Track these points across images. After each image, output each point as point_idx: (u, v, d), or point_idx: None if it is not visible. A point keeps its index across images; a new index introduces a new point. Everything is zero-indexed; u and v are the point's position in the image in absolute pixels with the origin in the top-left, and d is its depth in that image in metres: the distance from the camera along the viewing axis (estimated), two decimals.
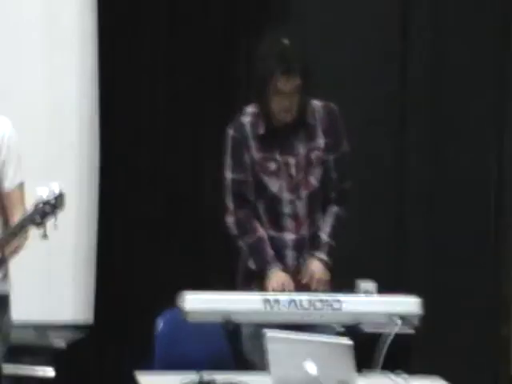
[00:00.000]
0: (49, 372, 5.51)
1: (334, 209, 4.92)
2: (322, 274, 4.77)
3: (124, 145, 6.45)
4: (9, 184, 4.39)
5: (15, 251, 4.30)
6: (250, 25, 6.08)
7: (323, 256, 4.79)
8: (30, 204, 4.23)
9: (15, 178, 4.41)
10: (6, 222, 4.40)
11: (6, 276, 4.37)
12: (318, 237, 4.86)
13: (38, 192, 4.15)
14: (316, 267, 4.76)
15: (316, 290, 4.72)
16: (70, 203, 4.83)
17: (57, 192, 4.14)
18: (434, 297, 5.71)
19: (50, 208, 4.14)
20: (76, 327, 6.13)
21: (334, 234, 4.87)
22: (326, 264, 4.79)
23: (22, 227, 4.19)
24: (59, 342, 5.79)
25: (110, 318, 6.21)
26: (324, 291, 4.70)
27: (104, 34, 6.55)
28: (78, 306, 6.29)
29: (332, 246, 4.85)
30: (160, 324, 4.98)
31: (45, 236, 4.17)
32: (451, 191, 6.79)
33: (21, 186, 4.41)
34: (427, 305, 4.53)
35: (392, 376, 4.23)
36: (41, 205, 4.12)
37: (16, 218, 4.30)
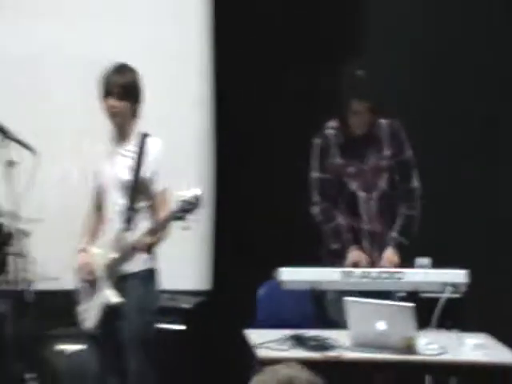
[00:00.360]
0: (180, 328, 5.56)
1: (402, 210, 4.96)
2: (394, 261, 4.83)
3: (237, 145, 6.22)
4: (157, 189, 4.59)
5: (162, 239, 4.54)
6: (334, 55, 5.74)
7: (392, 248, 4.84)
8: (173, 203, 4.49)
9: (163, 184, 4.60)
10: (153, 216, 4.60)
11: (154, 255, 4.58)
12: (390, 234, 4.92)
13: (180, 194, 4.40)
14: (388, 256, 4.83)
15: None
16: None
17: (197, 194, 4.37)
18: (486, 264, 5.63)
19: (191, 206, 4.35)
20: (198, 293, 6.13)
21: (402, 232, 4.91)
22: (395, 253, 4.85)
23: (168, 221, 4.42)
24: (186, 304, 5.84)
25: (223, 285, 6.21)
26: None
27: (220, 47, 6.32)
28: (200, 276, 6.31)
29: (401, 241, 4.90)
30: (262, 292, 5.14)
31: (186, 228, 4.41)
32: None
33: (165, 190, 4.58)
34: (479, 271, 4.61)
35: (446, 332, 4.38)
36: (183, 204, 4.35)
37: (161, 214, 4.51)
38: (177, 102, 6.21)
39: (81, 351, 5.45)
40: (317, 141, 4.98)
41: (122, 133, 4.64)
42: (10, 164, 4.38)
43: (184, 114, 6.22)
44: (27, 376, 5.16)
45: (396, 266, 4.82)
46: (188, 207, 4.37)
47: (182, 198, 4.36)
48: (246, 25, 6.25)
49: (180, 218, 4.38)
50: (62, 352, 5.52)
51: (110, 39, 6.22)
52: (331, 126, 4.97)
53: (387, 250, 4.85)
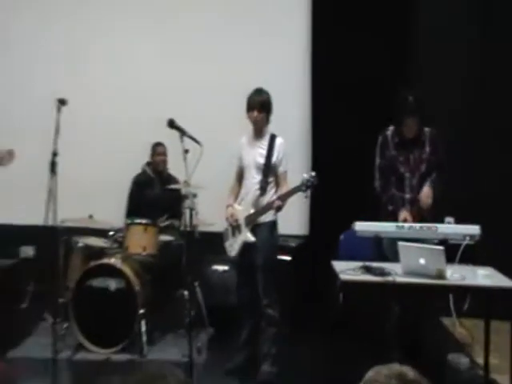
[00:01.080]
0: (288, 258, 5.55)
1: (435, 184, 4.85)
2: (429, 196, 4.78)
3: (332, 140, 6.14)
4: (281, 170, 4.65)
5: (283, 206, 4.57)
6: (397, 82, 5.58)
7: (428, 186, 4.79)
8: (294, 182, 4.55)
9: (284, 168, 4.65)
10: (277, 187, 4.65)
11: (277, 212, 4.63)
12: (427, 179, 4.85)
13: (304, 175, 4.49)
14: (425, 191, 4.78)
15: (424, 208, 4.78)
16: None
17: (312, 176, 4.45)
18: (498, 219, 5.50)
19: (309, 183, 4.43)
20: (300, 236, 6.20)
21: (432, 183, 4.81)
22: (430, 192, 4.79)
23: (294, 192, 4.50)
24: (293, 244, 5.89)
25: (317, 231, 6.23)
26: (428, 219, 4.76)
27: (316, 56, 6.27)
28: (302, 225, 6.35)
29: (433, 186, 4.80)
30: (343, 237, 5.34)
31: (307, 197, 4.61)
32: None
33: (285, 172, 4.65)
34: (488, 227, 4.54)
35: (464, 266, 4.39)
36: (305, 181, 4.44)
37: (284, 187, 4.59)
38: (289, 113, 6.12)
39: (226, 270, 5.65)
40: (380, 138, 4.97)
41: (259, 133, 4.68)
42: (186, 151, 4.27)
43: (293, 122, 6.19)
44: (195, 283, 5.31)
45: (430, 199, 4.79)
46: (308, 184, 4.44)
47: (305, 177, 4.46)
48: (335, 53, 6.09)
49: (302, 191, 4.47)
50: (215, 270, 5.73)
51: (247, 71, 6.18)
52: (389, 130, 4.94)
53: (424, 187, 4.81)
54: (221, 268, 5.71)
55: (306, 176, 4.48)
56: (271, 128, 4.76)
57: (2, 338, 5.05)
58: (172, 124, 4.36)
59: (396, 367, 1.66)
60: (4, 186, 6.08)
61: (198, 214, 4.73)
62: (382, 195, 5.00)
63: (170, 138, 4.58)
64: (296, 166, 5.42)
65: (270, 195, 4.64)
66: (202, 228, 5.16)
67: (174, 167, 5.56)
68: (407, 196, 4.93)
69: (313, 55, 6.31)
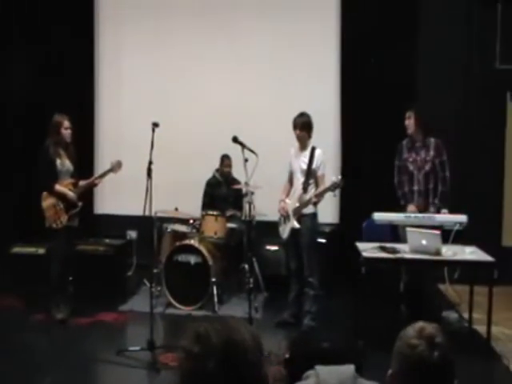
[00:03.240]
0: (323, 241, 5.43)
1: (440, 188, 4.76)
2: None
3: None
4: (319, 174, 4.65)
5: (319, 201, 4.65)
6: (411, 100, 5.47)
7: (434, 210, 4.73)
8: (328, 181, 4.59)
9: (321, 172, 4.66)
10: (316, 187, 4.63)
11: (315, 206, 4.67)
12: (434, 200, 4.77)
13: (333, 179, 4.55)
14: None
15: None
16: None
17: (339, 179, 4.48)
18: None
19: (337, 185, 4.46)
20: (332, 224, 6.11)
21: (440, 199, 4.73)
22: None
23: (326, 191, 4.56)
24: (327, 229, 5.77)
25: (345, 220, 6.15)
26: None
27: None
28: (334, 215, 6.23)
29: (440, 207, 4.73)
30: (365, 224, 5.24)
31: (335, 195, 4.68)
32: None
33: (323, 175, 4.68)
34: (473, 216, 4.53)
35: (455, 246, 4.39)
36: (334, 184, 4.49)
37: (321, 187, 4.62)
38: (327, 128, 6.08)
39: (278, 250, 5.68)
40: (398, 146, 5.00)
41: (302, 146, 4.74)
42: (246, 160, 4.31)
43: (327, 136, 6.08)
44: (253, 259, 5.25)
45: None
46: (335, 185, 4.50)
47: (333, 181, 4.52)
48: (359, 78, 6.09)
49: (331, 190, 4.54)
50: (268, 249, 5.81)
51: (294, 95, 6.16)
52: (405, 140, 4.95)
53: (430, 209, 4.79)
54: (273, 247, 5.81)
55: (334, 179, 4.55)
56: (315, 139, 4.82)
57: (115, 296, 5.38)
58: (235, 140, 4.48)
59: (419, 324, 1.61)
60: (115, 186, 6.27)
61: (255, 208, 4.75)
62: (397, 190, 5.01)
63: (235, 150, 4.58)
64: (331, 169, 5.48)
65: (311, 193, 4.71)
66: (258, 218, 5.18)
67: (237, 171, 5.60)
68: (415, 188, 4.90)
69: (342, 86, 6.30)
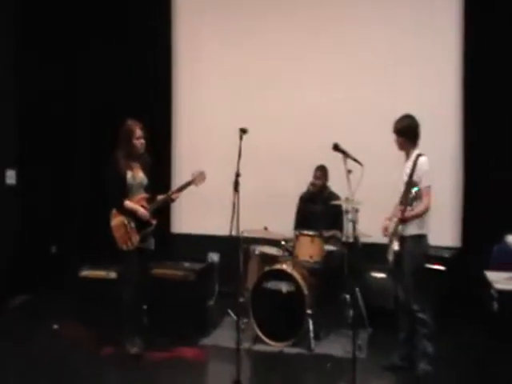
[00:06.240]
0: (442, 268, 5.37)
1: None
2: None
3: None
4: (421, 187, 4.39)
5: (405, 221, 4.39)
6: None
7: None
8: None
9: (424, 184, 4.41)
10: (419, 200, 4.38)
11: (424, 225, 4.43)
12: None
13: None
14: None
15: None
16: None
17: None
18: None
19: None
20: (453, 248, 5.91)
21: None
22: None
23: (417, 216, 4.36)
24: (446, 254, 5.59)
25: (470, 242, 5.94)
26: None
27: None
28: (453, 235, 6.04)
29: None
30: (495, 248, 5.01)
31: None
32: None
33: (427, 187, 4.41)
34: None
35: None
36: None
37: (421, 204, 4.34)
38: (444, 133, 6.05)
39: (385, 278, 5.52)
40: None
41: (406, 154, 4.56)
42: (349, 172, 4.19)
43: (440, 143, 5.89)
44: (356, 288, 5.17)
45: None
46: None
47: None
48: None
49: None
50: (374, 277, 5.66)
51: (403, 96, 6.08)
52: None
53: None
54: (379, 275, 5.66)
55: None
56: (428, 146, 4.63)
57: (195, 328, 5.33)
58: (336, 147, 4.35)
59: None
60: (195, 202, 6.31)
61: (359, 226, 4.47)
62: None
63: (335, 159, 4.45)
64: (449, 181, 5.41)
65: (409, 209, 4.44)
66: (362, 239, 5.05)
67: (336, 184, 5.59)
68: None
69: (464, 82, 6.10)
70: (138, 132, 4.86)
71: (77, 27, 6.96)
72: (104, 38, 6.94)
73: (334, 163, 4.67)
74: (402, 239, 4.49)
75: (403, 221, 4.43)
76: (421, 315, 4.47)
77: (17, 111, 6.40)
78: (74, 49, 6.97)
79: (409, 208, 4.40)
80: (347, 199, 4.51)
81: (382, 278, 5.63)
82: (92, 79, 6.92)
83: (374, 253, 5.00)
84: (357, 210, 4.57)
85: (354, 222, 4.45)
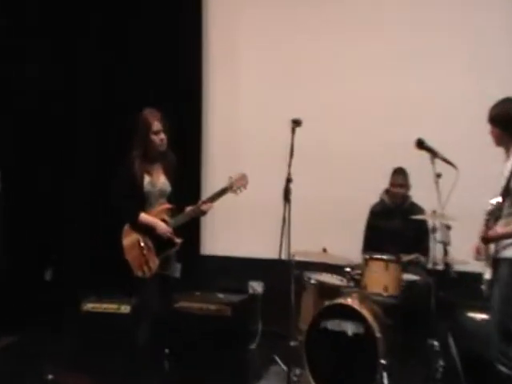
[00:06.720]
0: None
1: None
2: None
3: None
4: None
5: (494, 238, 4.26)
6: None
7: None
8: None
9: None
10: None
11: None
12: None
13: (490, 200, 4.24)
14: None
15: None
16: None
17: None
18: None
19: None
20: None
21: None
22: None
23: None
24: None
25: None
26: None
27: None
28: None
29: None
30: None
31: None
32: None
33: None
34: None
35: None
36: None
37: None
38: None
39: (485, 319, 5.20)
40: None
41: (506, 150, 4.32)
42: (438, 176, 4.29)
43: None
44: (448, 332, 5.03)
45: None
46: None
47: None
48: None
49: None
50: (472, 318, 5.36)
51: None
52: None
53: None
54: (478, 316, 5.31)
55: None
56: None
57: (232, 378, 5.21)
58: (421, 144, 4.39)
59: None
60: (232, 215, 6.30)
61: (451, 249, 4.59)
62: None
63: (417, 161, 4.55)
64: None
65: (503, 224, 4.23)
66: (455, 267, 4.88)
67: (423, 194, 5.35)
68: None
69: None
70: (156, 125, 4.56)
71: (83, 24, 7.02)
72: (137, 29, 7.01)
73: (415, 165, 4.91)
74: (496, 262, 4.32)
75: (487, 240, 4.30)
76: (503, 369, 4.29)
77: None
78: (75, 41, 7.01)
79: (501, 222, 4.25)
80: (435, 213, 4.55)
81: (482, 320, 5.28)
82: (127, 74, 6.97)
83: (472, 285, 4.73)
84: (448, 228, 4.62)
85: (445, 244, 4.55)
